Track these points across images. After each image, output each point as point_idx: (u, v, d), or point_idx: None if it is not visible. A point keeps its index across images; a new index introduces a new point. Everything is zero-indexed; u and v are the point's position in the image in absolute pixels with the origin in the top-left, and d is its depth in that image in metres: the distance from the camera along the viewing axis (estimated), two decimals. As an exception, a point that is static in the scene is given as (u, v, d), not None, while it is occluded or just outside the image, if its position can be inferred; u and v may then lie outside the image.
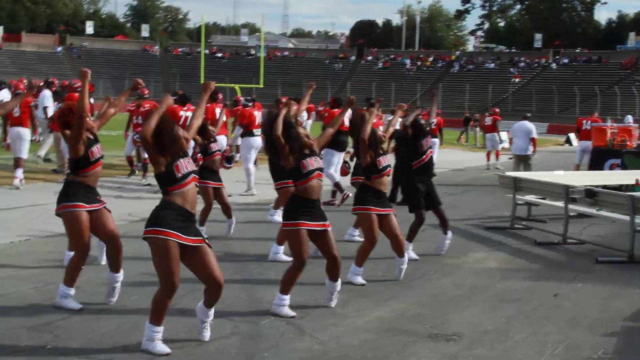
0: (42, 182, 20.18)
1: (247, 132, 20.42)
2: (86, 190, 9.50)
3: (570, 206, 14.79)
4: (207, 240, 8.06)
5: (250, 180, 20.19)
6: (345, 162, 18.00)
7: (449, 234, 13.20)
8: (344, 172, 19.83)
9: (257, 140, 20.23)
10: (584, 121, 26.91)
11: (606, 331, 9.08)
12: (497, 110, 35.30)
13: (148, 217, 7.86)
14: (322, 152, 18.28)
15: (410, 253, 12.61)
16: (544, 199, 16.59)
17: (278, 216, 14.26)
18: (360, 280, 10.97)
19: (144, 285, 10.07)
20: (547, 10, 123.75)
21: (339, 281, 9.59)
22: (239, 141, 21.35)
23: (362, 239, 12.49)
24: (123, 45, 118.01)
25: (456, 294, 10.66)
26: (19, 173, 19.68)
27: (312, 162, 9.33)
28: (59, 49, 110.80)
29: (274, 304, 9.31)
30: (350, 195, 15.34)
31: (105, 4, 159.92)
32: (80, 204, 9.37)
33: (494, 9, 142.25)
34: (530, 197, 16.85)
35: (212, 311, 8.17)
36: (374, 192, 11.03)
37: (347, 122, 15.29)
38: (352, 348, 8.10)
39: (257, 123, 20.38)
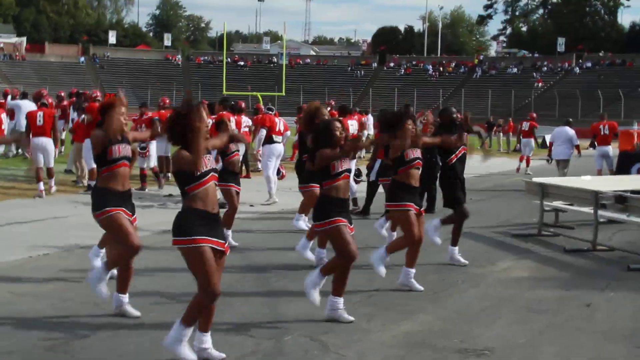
0: (62, 194, 19.87)
1: (268, 139, 20.15)
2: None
3: (600, 212, 14.43)
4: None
5: (271, 188, 19.89)
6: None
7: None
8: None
9: (278, 148, 20.01)
10: (601, 126, 26.40)
11: (641, 344, 8.74)
12: (535, 115, 34.87)
13: (174, 226, 7.60)
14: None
15: (459, 258, 12.72)
16: (571, 205, 16.21)
17: (303, 222, 13.91)
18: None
19: (163, 300, 9.79)
20: (570, 14, 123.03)
21: None
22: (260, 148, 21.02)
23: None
24: (145, 55, 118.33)
25: (484, 305, 10.30)
26: (53, 182, 20.12)
27: (342, 164, 9.15)
28: (82, 59, 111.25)
29: (328, 309, 9.20)
30: None
31: (128, 14, 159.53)
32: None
33: (517, 13, 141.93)
34: (558, 203, 16.47)
35: (209, 337, 7.82)
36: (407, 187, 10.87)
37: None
38: (379, 365, 7.79)
39: (277, 129, 20.16)
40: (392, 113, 11.50)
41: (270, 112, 22.91)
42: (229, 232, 13.79)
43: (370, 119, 37.96)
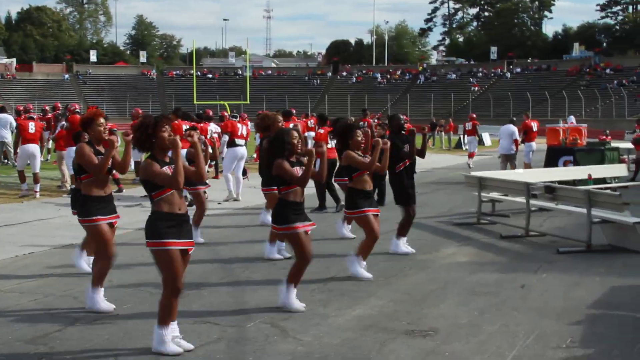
0: (46, 198, 19.49)
1: (230, 143, 20.00)
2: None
3: (531, 201, 14.33)
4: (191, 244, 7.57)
5: (229, 186, 19.81)
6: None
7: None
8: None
9: (240, 150, 19.86)
10: (533, 124, 26.50)
11: (572, 320, 8.55)
12: (475, 116, 35.06)
13: (145, 228, 7.37)
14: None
15: (405, 247, 12.52)
16: (506, 195, 16.09)
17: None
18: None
19: (137, 293, 9.53)
20: (501, 25, 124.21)
21: None
22: (225, 151, 20.76)
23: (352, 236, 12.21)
24: (123, 71, 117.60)
25: (430, 288, 10.11)
26: (38, 187, 19.93)
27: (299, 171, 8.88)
28: (66, 76, 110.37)
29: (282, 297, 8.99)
30: None
31: (107, 34, 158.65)
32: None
33: (454, 26, 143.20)
34: (494, 194, 16.36)
35: (176, 325, 7.51)
36: (362, 193, 10.69)
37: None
38: (334, 348, 7.51)
39: (239, 134, 20.00)
40: (343, 125, 11.23)
41: (234, 119, 22.75)
42: (198, 230, 13.56)
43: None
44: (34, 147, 20.20)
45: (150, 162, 7.30)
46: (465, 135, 34.67)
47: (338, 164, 14.58)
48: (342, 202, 17.18)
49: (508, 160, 24.74)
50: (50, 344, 7.72)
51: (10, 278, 10.85)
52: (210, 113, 25.22)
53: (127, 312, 8.88)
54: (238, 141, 19.88)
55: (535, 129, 26.51)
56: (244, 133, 20.28)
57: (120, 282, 9.90)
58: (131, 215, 15.98)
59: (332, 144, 15.96)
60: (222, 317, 8.65)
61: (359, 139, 10.76)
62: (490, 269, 11.40)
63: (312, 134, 23.56)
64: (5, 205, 18.50)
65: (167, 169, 7.27)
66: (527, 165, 25.66)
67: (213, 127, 22.37)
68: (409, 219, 12.61)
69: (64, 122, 20.90)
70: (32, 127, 20.34)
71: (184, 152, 13.99)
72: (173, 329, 7.43)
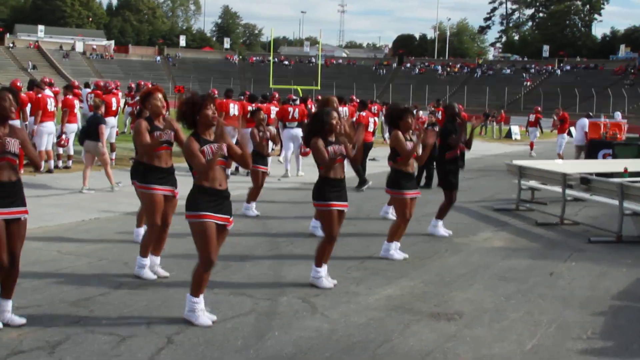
0: (119, 167, 19.21)
1: (284, 125, 20.08)
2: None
3: (567, 191, 13.61)
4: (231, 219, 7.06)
5: (286, 165, 19.75)
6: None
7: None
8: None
9: (291, 132, 19.96)
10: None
11: (595, 310, 7.87)
12: (539, 109, 34.17)
13: (186, 200, 6.88)
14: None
15: (442, 230, 11.95)
16: (545, 184, 15.36)
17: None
18: (397, 254, 10.08)
19: (183, 262, 9.06)
20: (553, 26, 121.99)
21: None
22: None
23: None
24: (209, 55, 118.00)
25: (462, 272, 9.48)
26: (114, 155, 20.26)
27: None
28: (158, 58, 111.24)
29: (311, 276, 8.47)
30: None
31: (195, 22, 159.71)
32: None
33: (510, 25, 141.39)
34: (533, 183, 15.63)
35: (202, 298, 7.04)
36: (405, 174, 10.04)
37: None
38: (358, 327, 6.97)
39: (290, 117, 20.02)
40: (397, 108, 10.49)
41: (292, 103, 22.41)
42: (253, 204, 13.16)
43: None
44: (112, 120, 19.98)
45: (191, 140, 6.82)
46: (528, 126, 33.90)
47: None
48: (368, 184, 16.73)
49: (581, 150, 24.33)
50: (92, 307, 7.36)
51: (72, 241, 10.59)
52: (277, 95, 24.86)
53: (170, 280, 8.50)
54: (289, 124, 19.62)
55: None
56: (296, 116, 19.87)
57: (170, 251, 9.44)
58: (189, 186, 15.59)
59: (371, 127, 15.35)
60: (257, 290, 8.19)
61: (410, 121, 10.07)
62: (522, 255, 10.74)
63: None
64: (81, 172, 18.30)
65: (207, 148, 6.80)
66: (560, 157, 24.95)
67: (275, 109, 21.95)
68: (449, 203, 12.09)
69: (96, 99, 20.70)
70: (114, 103, 20.14)
71: (248, 131, 13.62)
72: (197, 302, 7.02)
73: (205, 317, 6.87)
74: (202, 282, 6.89)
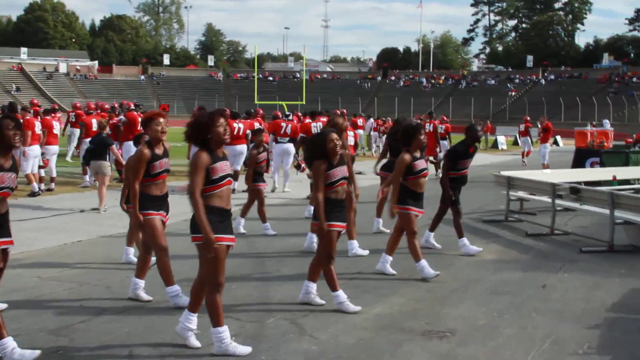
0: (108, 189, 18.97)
1: (275, 140, 20.09)
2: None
3: (557, 201, 13.44)
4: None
5: (274, 177, 19.90)
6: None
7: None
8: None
9: (282, 147, 20.21)
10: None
11: (590, 323, 7.67)
12: (528, 118, 34.03)
13: (191, 223, 6.51)
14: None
15: (471, 248, 11.61)
16: (533, 194, 15.18)
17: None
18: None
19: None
20: (537, 36, 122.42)
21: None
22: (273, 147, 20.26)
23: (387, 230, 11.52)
24: (193, 73, 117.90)
25: (453, 287, 9.26)
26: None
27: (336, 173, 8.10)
28: (142, 77, 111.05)
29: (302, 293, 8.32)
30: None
31: (179, 40, 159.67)
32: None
33: (494, 36, 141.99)
34: (522, 193, 15.46)
35: (196, 318, 6.82)
36: (414, 194, 9.73)
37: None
38: (348, 348, 6.74)
39: (282, 132, 20.25)
40: (409, 125, 10.09)
41: (285, 119, 22.32)
42: (242, 220, 12.97)
43: (369, 123, 37.08)
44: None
45: (200, 155, 6.48)
46: (520, 136, 33.97)
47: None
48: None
49: None
50: (72, 335, 7.11)
51: (54, 266, 10.35)
52: (261, 112, 24.74)
53: (155, 303, 8.23)
54: (280, 139, 19.66)
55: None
56: (288, 131, 19.89)
57: (153, 274, 9.15)
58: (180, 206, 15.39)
59: (351, 140, 15.11)
60: (244, 311, 7.95)
61: (422, 139, 9.83)
62: (514, 267, 10.54)
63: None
64: (67, 194, 18.09)
65: (220, 165, 6.51)
66: (545, 167, 24.78)
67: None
68: (441, 215, 11.95)
69: (122, 117, 20.45)
70: (95, 124, 19.93)
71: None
72: (191, 320, 6.77)
73: (241, 346, 6.57)
74: (219, 307, 6.54)
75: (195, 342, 6.70)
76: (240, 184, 19.26)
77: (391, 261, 9.99)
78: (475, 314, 8.02)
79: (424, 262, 9.69)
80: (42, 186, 18.29)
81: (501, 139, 47.44)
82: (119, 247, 11.60)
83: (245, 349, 6.54)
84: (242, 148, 19.49)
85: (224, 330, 6.54)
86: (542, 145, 26.19)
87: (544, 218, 14.25)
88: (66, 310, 8.02)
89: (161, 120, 8.35)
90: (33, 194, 17.38)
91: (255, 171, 13.12)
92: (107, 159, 15.50)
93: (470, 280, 9.67)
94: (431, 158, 16.15)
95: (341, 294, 8.10)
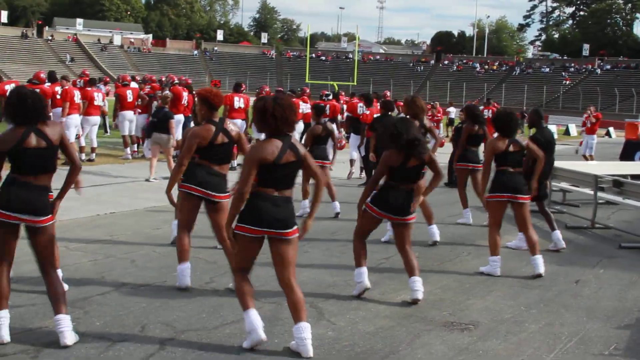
0: (145, 161, 18.93)
1: None
2: None
3: (599, 194, 13.05)
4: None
5: None
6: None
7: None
8: (442, 144, 19.22)
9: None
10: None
11: (621, 323, 7.34)
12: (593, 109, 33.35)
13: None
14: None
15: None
16: (576, 186, 14.78)
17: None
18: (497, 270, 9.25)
19: (208, 267, 8.67)
20: (594, 24, 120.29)
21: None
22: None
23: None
24: (246, 50, 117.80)
25: (482, 278, 9.00)
26: (136, 147, 20.48)
27: None
28: (195, 52, 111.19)
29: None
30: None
31: (233, 16, 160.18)
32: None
33: (550, 23, 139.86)
34: (564, 185, 15.08)
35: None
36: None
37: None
38: (364, 336, 6.56)
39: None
40: (503, 113, 9.66)
41: (325, 99, 22.22)
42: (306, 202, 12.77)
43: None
44: (131, 113, 19.87)
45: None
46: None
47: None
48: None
49: None
50: (87, 307, 7.05)
51: (82, 237, 10.31)
52: (307, 91, 24.60)
53: (174, 280, 8.08)
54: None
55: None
56: (326, 112, 19.66)
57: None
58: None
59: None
60: (265, 292, 7.79)
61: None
62: (549, 260, 10.15)
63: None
64: (106, 166, 18.10)
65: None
66: (586, 158, 24.13)
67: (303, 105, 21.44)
68: None
69: (167, 91, 20.41)
70: (130, 95, 19.87)
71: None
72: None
73: (256, 334, 6.14)
74: (248, 291, 6.27)
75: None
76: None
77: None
78: (502, 306, 7.76)
79: (497, 259, 9.32)
80: (83, 156, 18.33)
81: (552, 129, 46.69)
82: (150, 220, 11.59)
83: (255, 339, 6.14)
84: (242, 123, 18.91)
85: (249, 314, 6.20)
86: (589, 136, 25.42)
87: (586, 211, 13.87)
88: (86, 281, 7.95)
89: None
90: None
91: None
92: (169, 132, 15.44)
93: (501, 271, 9.39)
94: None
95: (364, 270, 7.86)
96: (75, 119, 17.76)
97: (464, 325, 7.02)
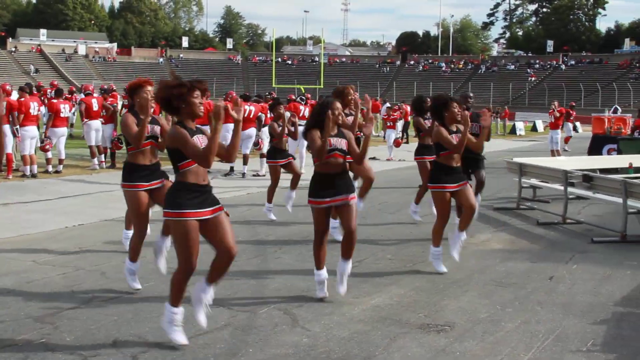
0: (115, 171, 18.75)
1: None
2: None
3: (569, 189, 13.07)
4: (224, 210, 6.40)
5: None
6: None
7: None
8: (398, 144, 18.96)
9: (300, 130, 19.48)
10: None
11: (597, 318, 7.31)
12: (573, 104, 33.70)
13: (165, 198, 6.27)
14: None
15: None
16: (546, 182, 14.81)
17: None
18: (442, 267, 9.23)
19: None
20: (557, 21, 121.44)
21: (350, 263, 7.83)
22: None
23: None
24: (212, 56, 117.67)
25: (456, 277, 8.94)
26: (103, 157, 20.27)
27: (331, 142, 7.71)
28: (161, 60, 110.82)
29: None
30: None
31: (198, 23, 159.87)
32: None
33: (514, 20, 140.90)
34: (534, 181, 15.10)
35: (211, 290, 6.45)
36: (445, 168, 9.22)
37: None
38: (340, 342, 6.45)
39: (300, 115, 20.52)
40: (440, 98, 9.57)
41: (300, 102, 22.27)
42: (271, 205, 12.76)
43: (384, 108, 36.63)
44: (98, 123, 19.65)
45: (179, 128, 6.14)
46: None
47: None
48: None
49: None
50: (58, 323, 6.87)
51: (50, 250, 10.12)
52: (274, 95, 24.57)
53: (146, 291, 7.97)
54: (300, 122, 19.37)
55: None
56: (306, 114, 19.96)
57: (143, 259, 8.84)
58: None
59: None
60: (237, 300, 7.68)
61: (456, 111, 9.25)
62: (521, 257, 10.20)
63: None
64: (74, 176, 17.89)
65: (196, 139, 6.17)
66: (558, 153, 24.31)
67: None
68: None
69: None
70: (95, 104, 19.71)
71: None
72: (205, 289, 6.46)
73: (181, 334, 6.30)
74: (183, 289, 6.32)
75: (181, 335, 6.40)
76: (249, 167, 19.08)
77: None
78: (477, 306, 7.71)
79: (439, 251, 9.31)
80: (50, 168, 18.17)
81: (519, 125, 46.92)
82: (120, 231, 11.38)
83: (180, 338, 6.26)
84: (251, 131, 19.29)
85: (178, 312, 6.30)
86: (553, 131, 25.51)
87: (557, 206, 13.87)
88: (56, 296, 7.78)
89: (149, 88, 8.14)
90: (24, 176, 17.27)
91: (273, 147, 12.85)
92: None
93: (474, 270, 9.36)
94: None
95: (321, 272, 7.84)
96: (30, 130, 17.54)
97: (440, 327, 6.95)
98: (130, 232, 9.66)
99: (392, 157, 23.84)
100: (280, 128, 12.85)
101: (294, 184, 12.83)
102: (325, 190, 7.72)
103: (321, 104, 7.94)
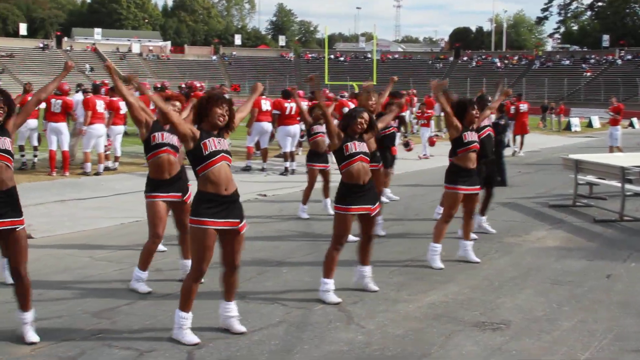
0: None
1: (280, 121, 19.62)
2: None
3: (627, 186, 12.88)
4: (243, 222, 6.45)
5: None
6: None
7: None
8: (432, 142, 18.87)
9: (290, 128, 19.59)
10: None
11: (657, 318, 7.22)
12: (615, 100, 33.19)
13: (192, 206, 6.37)
14: None
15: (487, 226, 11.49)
16: (603, 179, 14.60)
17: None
18: (438, 264, 9.20)
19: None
20: (613, 15, 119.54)
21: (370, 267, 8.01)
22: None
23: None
24: (264, 53, 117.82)
25: (512, 275, 8.87)
26: None
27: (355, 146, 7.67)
28: (214, 57, 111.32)
29: (320, 290, 7.70)
30: None
31: (250, 20, 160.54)
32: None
33: (569, 15, 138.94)
34: (591, 178, 14.90)
35: (234, 305, 6.62)
36: (461, 170, 9.28)
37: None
38: (395, 339, 6.45)
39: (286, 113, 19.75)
40: (459, 102, 9.67)
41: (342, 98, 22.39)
42: (305, 207, 12.72)
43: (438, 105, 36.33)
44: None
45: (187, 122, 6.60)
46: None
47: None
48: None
49: None
50: (114, 318, 6.99)
51: (107, 246, 10.27)
52: (326, 91, 24.62)
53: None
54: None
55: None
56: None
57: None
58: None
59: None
60: (292, 297, 7.72)
61: (474, 113, 9.43)
62: (578, 255, 10.08)
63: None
64: (128, 174, 18.08)
65: (211, 141, 6.28)
66: (612, 150, 23.86)
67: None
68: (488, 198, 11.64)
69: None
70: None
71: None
72: (227, 309, 6.60)
73: (192, 335, 6.33)
74: (192, 295, 6.41)
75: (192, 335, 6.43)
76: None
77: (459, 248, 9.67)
78: (533, 304, 7.63)
79: (439, 247, 9.29)
80: (109, 164, 18.47)
81: (575, 121, 46.30)
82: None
83: (193, 338, 6.31)
84: (295, 129, 19.20)
85: (188, 318, 6.38)
86: (613, 127, 25.09)
87: (614, 204, 13.67)
88: (112, 292, 7.91)
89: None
90: (85, 173, 17.53)
91: (311, 150, 12.89)
92: None
93: (530, 268, 9.27)
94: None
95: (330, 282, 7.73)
96: (97, 129, 17.73)
97: (495, 325, 6.91)
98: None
99: (428, 155, 23.67)
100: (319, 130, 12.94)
101: (326, 192, 12.90)
102: (352, 198, 7.67)
103: (350, 113, 7.95)
